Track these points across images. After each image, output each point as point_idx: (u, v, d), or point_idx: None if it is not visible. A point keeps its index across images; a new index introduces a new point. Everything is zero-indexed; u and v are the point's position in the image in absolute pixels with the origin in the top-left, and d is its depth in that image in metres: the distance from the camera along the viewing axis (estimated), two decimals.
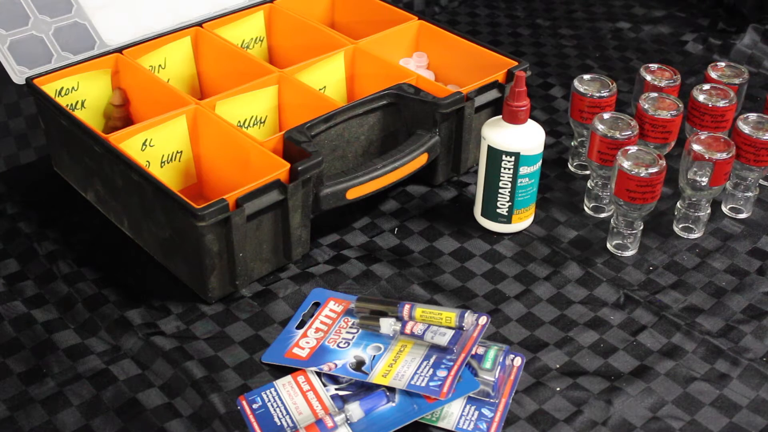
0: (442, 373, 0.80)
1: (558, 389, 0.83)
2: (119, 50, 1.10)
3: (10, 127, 1.15)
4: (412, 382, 0.80)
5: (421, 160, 1.01)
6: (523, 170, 0.97)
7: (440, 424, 0.79)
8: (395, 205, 1.07)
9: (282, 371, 0.84)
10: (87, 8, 1.12)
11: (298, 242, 0.96)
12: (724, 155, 0.96)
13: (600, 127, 1.00)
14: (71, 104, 1.08)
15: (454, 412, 0.80)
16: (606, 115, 1.02)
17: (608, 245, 1.01)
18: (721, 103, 1.05)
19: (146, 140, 0.98)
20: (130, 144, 0.96)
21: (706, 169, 0.97)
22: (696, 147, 0.97)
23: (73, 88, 1.07)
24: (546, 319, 0.91)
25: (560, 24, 1.51)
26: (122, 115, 1.11)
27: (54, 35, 1.09)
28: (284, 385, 0.83)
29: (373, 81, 1.10)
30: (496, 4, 1.58)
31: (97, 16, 1.12)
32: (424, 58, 1.20)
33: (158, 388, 0.83)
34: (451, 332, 0.84)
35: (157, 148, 0.99)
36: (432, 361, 0.82)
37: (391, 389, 0.80)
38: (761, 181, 1.11)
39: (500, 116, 0.98)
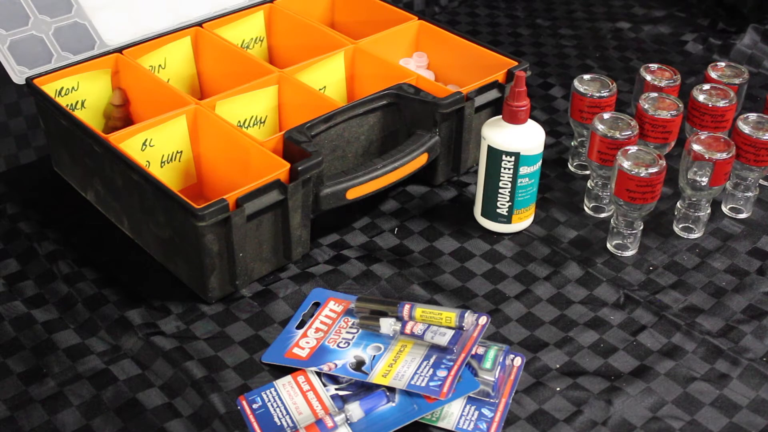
0: (442, 373, 0.80)
1: (558, 389, 0.83)
2: (119, 50, 1.10)
3: (10, 127, 1.15)
4: (412, 382, 0.80)
5: (421, 160, 1.01)
6: (523, 170, 0.97)
7: (440, 424, 0.79)
8: (395, 205, 1.07)
9: (282, 371, 0.84)
10: (87, 8, 1.12)
11: (298, 242, 0.95)
12: (724, 155, 0.96)
13: (600, 127, 1.00)
14: (71, 104, 1.08)
15: (454, 412, 0.80)
16: (606, 115, 1.02)
17: (608, 245, 1.00)
18: (721, 103, 1.05)
19: (146, 140, 0.98)
20: (130, 144, 0.96)
21: (706, 169, 0.97)
22: (696, 147, 0.97)
23: (73, 88, 1.07)
24: (546, 319, 0.91)
25: (560, 24, 1.51)
26: (122, 115, 1.11)
27: (54, 35, 1.09)
28: (284, 385, 0.82)
29: (373, 81, 1.10)
30: (496, 4, 1.58)
31: (97, 16, 1.12)
32: (424, 58, 1.20)
33: (158, 388, 0.83)
34: (451, 332, 0.84)
35: (157, 148, 0.99)
36: (432, 361, 0.82)
37: (391, 389, 0.80)
38: (761, 181, 1.11)
39: (500, 116, 0.98)
